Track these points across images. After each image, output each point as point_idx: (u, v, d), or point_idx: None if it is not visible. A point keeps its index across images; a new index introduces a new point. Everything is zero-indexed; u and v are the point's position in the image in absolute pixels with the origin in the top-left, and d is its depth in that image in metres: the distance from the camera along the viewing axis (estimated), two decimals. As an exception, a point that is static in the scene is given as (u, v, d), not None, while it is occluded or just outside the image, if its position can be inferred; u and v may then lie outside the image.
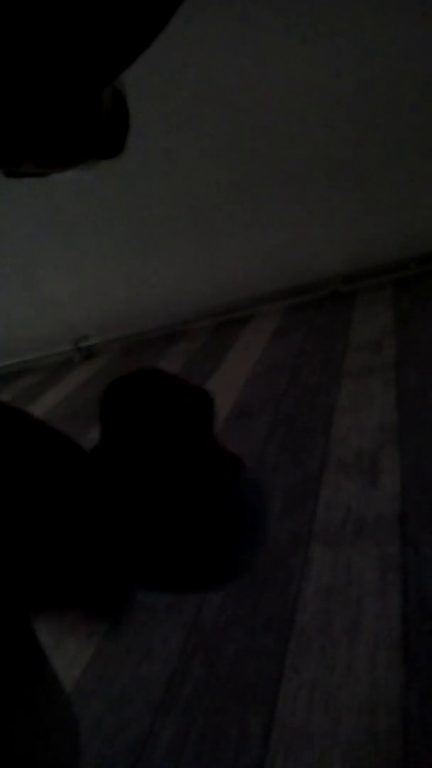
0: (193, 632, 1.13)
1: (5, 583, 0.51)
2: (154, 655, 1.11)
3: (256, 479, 0.59)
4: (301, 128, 2.62)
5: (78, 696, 1.06)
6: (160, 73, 2.50)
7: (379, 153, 2.61)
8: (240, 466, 0.53)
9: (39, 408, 2.76)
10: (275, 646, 1.04)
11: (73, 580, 0.51)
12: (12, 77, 0.37)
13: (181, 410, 0.49)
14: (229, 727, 0.92)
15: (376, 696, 0.89)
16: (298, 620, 1.08)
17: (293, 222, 2.82)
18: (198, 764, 0.88)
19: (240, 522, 0.53)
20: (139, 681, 1.06)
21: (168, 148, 2.74)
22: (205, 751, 0.89)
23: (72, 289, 3.24)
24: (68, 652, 1.18)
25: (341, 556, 1.21)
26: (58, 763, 0.53)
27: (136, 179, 2.79)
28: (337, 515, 1.34)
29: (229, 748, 0.89)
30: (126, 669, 1.09)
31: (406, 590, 1.07)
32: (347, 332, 2.41)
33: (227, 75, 2.59)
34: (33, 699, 0.52)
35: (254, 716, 0.92)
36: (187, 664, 1.06)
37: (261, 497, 0.58)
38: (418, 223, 2.69)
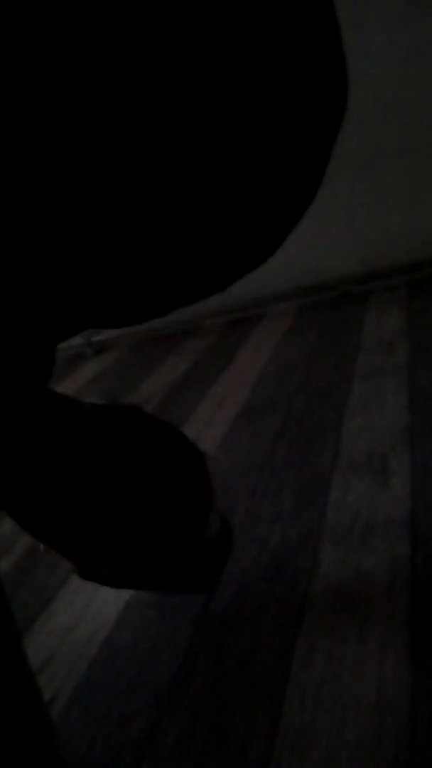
0: (200, 628, 1.13)
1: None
2: (160, 649, 1.11)
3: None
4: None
5: (85, 689, 1.07)
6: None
7: (395, 152, 2.60)
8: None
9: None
10: (282, 644, 1.04)
11: None
12: None
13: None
14: (235, 724, 0.92)
15: (383, 696, 0.89)
16: (305, 619, 1.08)
17: (306, 221, 2.81)
18: (204, 759, 0.88)
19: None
20: (146, 675, 1.06)
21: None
22: (211, 745, 0.89)
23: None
24: (75, 646, 1.18)
25: (350, 556, 1.21)
26: None
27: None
28: (347, 515, 1.34)
29: (236, 743, 0.89)
30: (132, 662, 1.10)
31: (414, 592, 1.07)
32: (360, 333, 2.40)
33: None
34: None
35: (261, 713, 0.92)
36: (194, 659, 1.06)
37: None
38: (434, 225, 2.68)
